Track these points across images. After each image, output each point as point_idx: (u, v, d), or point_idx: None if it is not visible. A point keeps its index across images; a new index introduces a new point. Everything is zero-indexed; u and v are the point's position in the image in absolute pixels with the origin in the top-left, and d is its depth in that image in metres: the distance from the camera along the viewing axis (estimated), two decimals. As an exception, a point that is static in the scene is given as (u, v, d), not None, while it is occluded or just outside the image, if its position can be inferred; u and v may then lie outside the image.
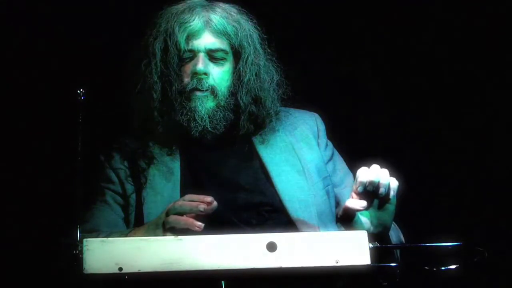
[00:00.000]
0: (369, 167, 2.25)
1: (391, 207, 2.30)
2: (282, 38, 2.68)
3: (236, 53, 2.59)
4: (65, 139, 2.49)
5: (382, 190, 2.23)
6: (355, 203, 2.25)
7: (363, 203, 2.24)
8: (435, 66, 3.31)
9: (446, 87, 3.31)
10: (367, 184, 2.23)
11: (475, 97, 3.28)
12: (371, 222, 2.30)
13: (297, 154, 2.59)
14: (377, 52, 3.33)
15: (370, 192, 2.25)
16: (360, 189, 2.24)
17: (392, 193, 2.25)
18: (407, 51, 3.31)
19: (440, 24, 3.31)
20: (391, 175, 2.24)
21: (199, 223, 2.12)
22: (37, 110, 3.08)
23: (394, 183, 2.26)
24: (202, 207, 2.14)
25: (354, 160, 2.71)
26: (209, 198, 2.16)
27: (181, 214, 2.15)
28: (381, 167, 2.25)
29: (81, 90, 2.13)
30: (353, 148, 2.78)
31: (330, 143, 2.70)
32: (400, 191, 2.28)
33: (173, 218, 2.15)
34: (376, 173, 2.23)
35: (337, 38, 3.32)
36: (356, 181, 2.26)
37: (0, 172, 3.04)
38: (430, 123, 3.31)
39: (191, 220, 2.13)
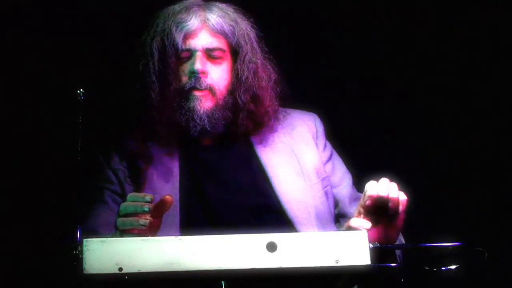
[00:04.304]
0: (377, 180, 2.22)
1: (398, 222, 2.27)
2: (280, 37, 2.68)
3: (234, 52, 2.59)
4: (65, 139, 2.49)
5: (391, 204, 2.21)
6: (359, 223, 2.23)
7: (367, 224, 2.22)
8: (435, 65, 3.31)
9: (446, 86, 3.31)
10: (376, 197, 2.21)
11: (475, 97, 3.28)
12: (378, 238, 2.25)
13: (296, 155, 2.59)
14: (377, 52, 3.33)
15: (378, 207, 2.23)
16: (368, 202, 2.22)
17: (401, 208, 2.23)
18: (408, 50, 3.31)
19: (442, 22, 3.31)
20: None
21: (143, 221, 2.06)
22: (37, 110, 3.08)
23: (403, 198, 2.23)
24: (146, 207, 2.07)
25: (353, 160, 2.71)
26: (148, 197, 2.09)
27: (128, 215, 2.09)
28: (390, 180, 2.23)
29: (81, 90, 2.13)
30: (352, 149, 2.78)
31: (328, 144, 2.70)
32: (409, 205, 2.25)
33: (119, 220, 2.11)
34: (385, 187, 2.21)
35: (337, 37, 3.32)
36: (364, 194, 2.24)
37: (0, 172, 3.03)
38: (430, 122, 3.30)
39: (135, 218, 2.08)
